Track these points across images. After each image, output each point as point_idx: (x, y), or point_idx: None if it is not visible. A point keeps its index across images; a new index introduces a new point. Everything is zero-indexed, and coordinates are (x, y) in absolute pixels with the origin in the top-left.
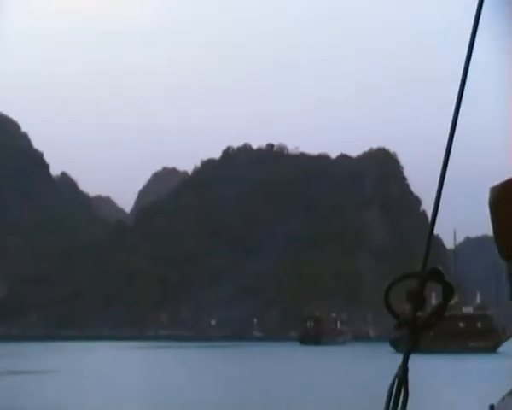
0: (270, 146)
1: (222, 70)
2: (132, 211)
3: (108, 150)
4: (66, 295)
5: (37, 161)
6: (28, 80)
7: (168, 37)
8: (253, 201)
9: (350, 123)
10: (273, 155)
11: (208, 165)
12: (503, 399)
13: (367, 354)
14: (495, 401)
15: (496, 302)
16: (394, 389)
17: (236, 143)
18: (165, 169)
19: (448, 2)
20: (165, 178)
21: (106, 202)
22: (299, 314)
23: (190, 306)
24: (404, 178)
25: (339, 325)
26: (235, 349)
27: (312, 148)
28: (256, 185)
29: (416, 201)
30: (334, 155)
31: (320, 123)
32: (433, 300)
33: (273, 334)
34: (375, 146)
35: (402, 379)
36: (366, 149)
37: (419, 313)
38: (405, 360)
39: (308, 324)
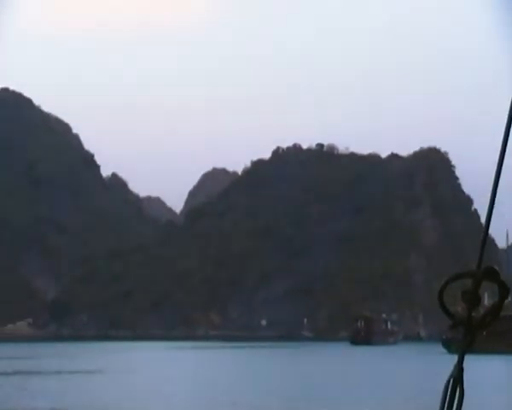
0: (320, 146)
1: (270, 72)
2: (182, 211)
3: (159, 151)
4: (116, 296)
5: (88, 161)
6: (80, 83)
7: (216, 43)
8: (302, 201)
9: (401, 122)
10: (323, 155)
11: (258, 165)
12: None
13: (418, 354)
14: None
15: None
16: (449, 390)
17: (286, 144)
18: (214, 170)
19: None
20: (214, 178)
21: (156, 203)
22: (350, 314)
23: (240, 306)
24: (456, 178)
25: (389, 326)
26: (285, 349)
27: (363, 147)
28: (306, 185)
29: (468, 200)
30: (384, 154)
31: (370, 122)
32: (486, 300)
33: (323, 334)
34: (425, 145)
35: (457, 379)
36: (417, 148)
37: (473, 313)
38: (460, 360)
39: (358, 324)
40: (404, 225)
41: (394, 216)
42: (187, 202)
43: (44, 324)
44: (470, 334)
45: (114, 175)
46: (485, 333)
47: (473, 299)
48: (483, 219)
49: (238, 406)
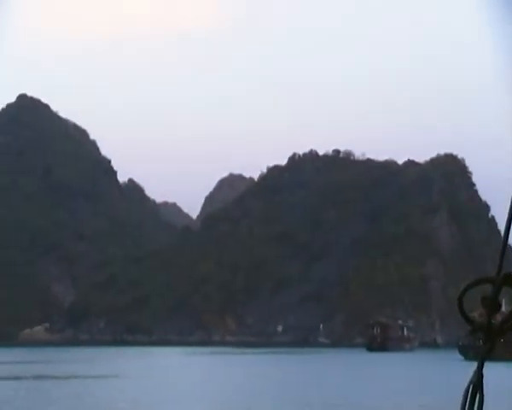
0: (337, 152)
1: (287, 78)
2: (199, 217)
3: (175, 157)
4: (133, 301)
5: (105, 167)
6: (97, 90)
7: (231, 48)
8: (318, 207)
9: (417, 128)
10: (339, 162)
11: (274, 171)
12: None
13: (435, 361)
14: None
15: None
16: (469, 396)
17: (302, 150)
18: (231, 175)
19: None
20: (231, 184)
21: (172, 208)
22: (366, 321)
23: (257, 312)
24: (473, 184)
25: (405, 332)
26: (301, 355)
27: (379, 154)
28: (322, 191)
29: (485, 207)
30: (401, 161)
31: (387, 129)
32: (504, 307)
33: (339, 340)
34: (442, 152)
35: (477, 385)
36: (433, 154)
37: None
38: (480, 367)
39: (374, 330)
40: (420, 232)
41: (411, 222)
42: (203, 207)
43: (62, 329)
44: (490, 340)
45: (131, 181)
46: (502, 340)
47: (492, 305)
48: (500, 226)
49: None
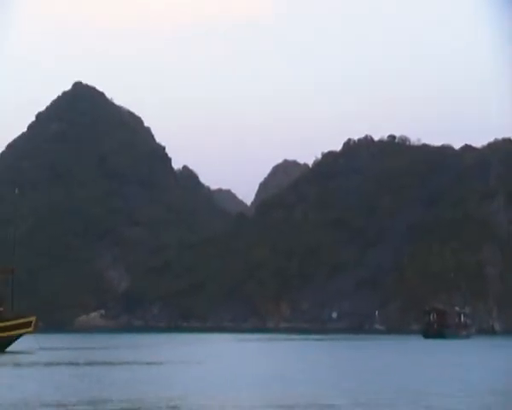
0: (392, 138)
1: (341, 64)
2: (253, 203)
3: (229, 144)
4: (187, 287)
5: (159, 154)
6: (151, 76)
7: (286, 35)
8: (374, 192)
9: (474, 113)
10: (395, 147)
11: (329, 157)
12: None
13: (493, 348)
14: None
15: None
16: None
17: (357, 136)
18: (285, 162)
19: None
20: (285, 170)
21: (226, 195)
22: (422, 307)
23: (311, 298)
24: None
25: (462, 319)
26: (357, 342)
27: (435, 139)
28: (377, 177)
29: None
30: (457, 145)
31: (443, 113)
32: None
33: (395, 327)
34: (500, 136)
35: None
36: (491, 139)
37: None
38: None
39: (431, 317)
40: (477, 217)
41: (468, 208)
42: (258, 194)
43: (116, 315)
44: None
45: (186, 168)
46: None
47: None
48: None
49: (307, 398)
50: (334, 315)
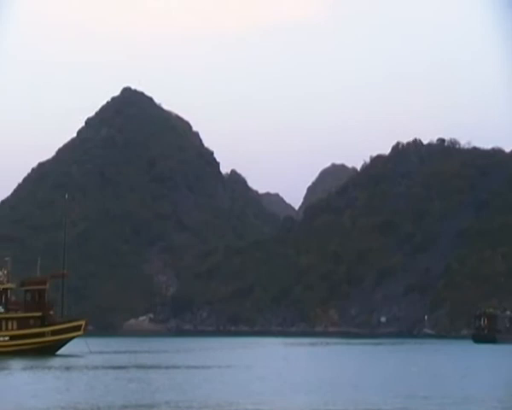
0: (442, 141)
1: (391, 68)
2: (301, 207)
3: (277, 148)
4: (235, 292)
5: (208, 159)
6: (200, 81)
7: (333, 39)
8: (423, 196)
9: None
10: (444, 150)
11: (378, 161)
12: None
13: None
14: None
15: None
16: None
17: (406, 139)
18: (333, 166)
19: None
20: (333, 174)
21: (275, 199)
22: (472, 312)
23: (360, 302)
24: None
25: None
26: (406, 346)
27: (485, 142)
28: (426, 181)
29: None
30: (508, 148)
31: (494, 116)
32: None
33: (445, 331)
34: None
35: None
36: None
37: None
38: None
39: (481, 321)
40: None
41: None
42: (306, 198)
43: (165, 319)
44: None
45: (234, 172)
46: None
47: None
48: None
49: (355, 403)
50: (383, 320)
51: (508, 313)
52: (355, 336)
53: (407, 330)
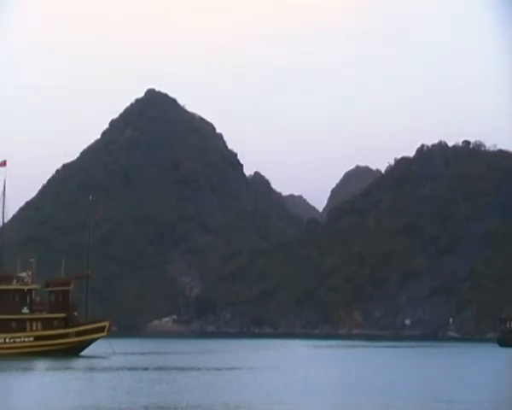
0: (467, 143)
1: (414, 71)
2: (325, 209)
3: (301, 150)
4: (259, 294)
5: (231, 161)
6: (222, 83)
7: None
8: (448, 199)
9: None
10: (469, 153)
11: (402, 163)
12: None
13: None
14: None
15: None
16: None
17: (431, 141)
18: (357, 168)
19: None
20: (357, 176)
21: (298, 201)
22: (498, 315)
23: (384, 305)
24: None
25: None
26: (430, 349)
27: (511, 144)
28: (451, 183)
29: None
30: None
31: None
32: None
33: (470, 334)
34: None
35: None
36: None
37: None
38: None
39: (507, 325)
40: None
41: None
42: (329, 200)
43: (189, 320)
44: None
45: (257, 174)
46: None
47: None
48: None
49: (379, 406)
50: (408, 322)
51: None
52: (379, 339)
53: (432, 333)
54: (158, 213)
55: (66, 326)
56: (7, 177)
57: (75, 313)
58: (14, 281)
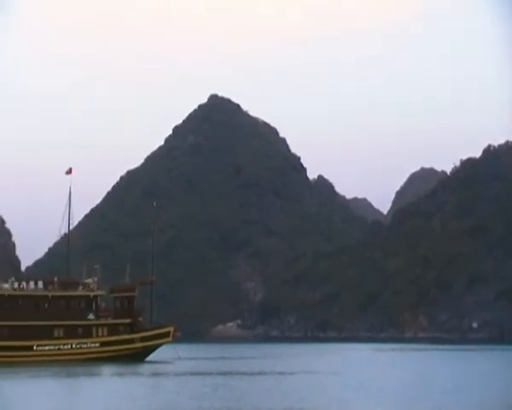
0: None
1: (479, 70)
2: (389, 212)
3: (365, 153)
4: (323, 297)
5: (294, 164)
6: (285, 87)
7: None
8: None
9: None
10: None
11: (468, 164)
12: None
13: None
14: None
15: None
16: None
17: (498, 141)
18: (422, 170)
19: None
20: (422, 178)
21: (363, 204)
22: None
23: (450, 308)
24: None
25: None
26: (497, 352)
27: None
28: None
29: None
30: None
31: None
32: None
33: None
34: None
35: None
36: None
37: None
38: None
39: None
40: None
41: None
42: (394, 202)
43: (253, 325)
44: None
45: (321, 177)
46: None
47: None
48: None
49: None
50: (475, 325)
51: None
52: (445, 342)
53: (499, 336)
54: (221, 217)
55: (132, 332)
56: (72, 184)
57: (140, 319)
58: (80, 287)
